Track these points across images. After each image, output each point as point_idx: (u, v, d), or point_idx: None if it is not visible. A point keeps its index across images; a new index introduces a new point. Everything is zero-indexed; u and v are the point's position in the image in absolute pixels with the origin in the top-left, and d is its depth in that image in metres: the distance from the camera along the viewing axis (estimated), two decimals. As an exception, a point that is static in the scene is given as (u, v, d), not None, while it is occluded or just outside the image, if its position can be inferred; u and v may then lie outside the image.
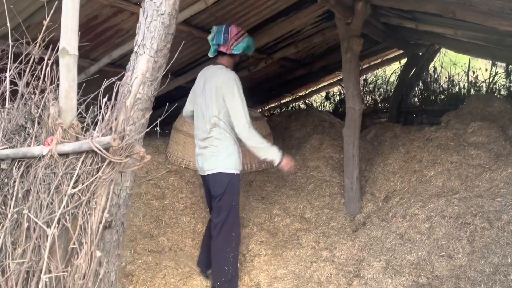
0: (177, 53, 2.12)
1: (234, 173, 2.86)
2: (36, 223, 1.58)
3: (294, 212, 3.92)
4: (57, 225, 1.55)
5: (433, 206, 3.15)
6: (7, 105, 1.84)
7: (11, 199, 1.67)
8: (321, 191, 4.16)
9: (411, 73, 6.37)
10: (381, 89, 7.49)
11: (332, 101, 7.84)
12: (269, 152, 2.83)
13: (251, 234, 3.59)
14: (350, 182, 3.85)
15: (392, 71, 7.48)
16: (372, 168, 4.28)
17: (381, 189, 3.90)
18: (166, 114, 1.93)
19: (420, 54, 6.13)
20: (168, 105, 3.01)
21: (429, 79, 6.66)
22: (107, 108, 1.58)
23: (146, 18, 1.83)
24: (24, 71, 1.86)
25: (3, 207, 1.72)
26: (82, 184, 1.55)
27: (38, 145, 1.67)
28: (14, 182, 1.67)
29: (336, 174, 4.38)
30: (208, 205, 3.19)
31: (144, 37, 1.82)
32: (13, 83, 1.88)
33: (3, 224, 1.68)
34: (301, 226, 3.75)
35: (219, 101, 2.84)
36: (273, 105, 8.20)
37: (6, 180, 1.73)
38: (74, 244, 1.55)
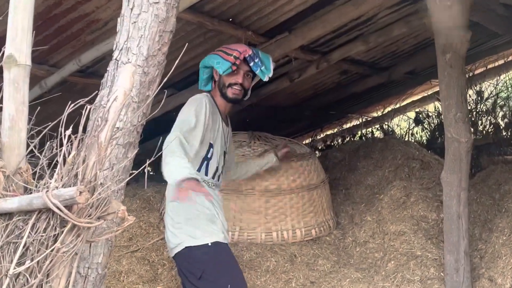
0: (180, 55, 2.21)
1: (208, 243, 3.00)
2: (-38, 319, 1.65)
3: (363, 308, 3.89)
4: (-8, 322, 1.62)
5: None
6: None
7: None
8: (407, 272, 4.12)
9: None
10: (506, 107, 7.43)
11: (425, 126, 7.82)
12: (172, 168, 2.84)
13: None
14: (454, 259, 3.80)
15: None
16: (491, 236, 4.21)
17: (505, 271, 3.81)
18: (156, 154, 2.00)
19: None
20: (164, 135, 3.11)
21: None
22: (71, 144, 1.66)
23: (132, 9, 1.95)
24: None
25: None
26: (32, 259, 1.62)
27: (-31, 199, 1.77)
28: None
29: (431, 245, 4.33)
30: None
31: (129, 38, 1.93)
32: None
33: None
34: (375, 331, 3.71)
35: None
36: (329, 132, 8.26)
37: None
38: None
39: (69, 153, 1.66)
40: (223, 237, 3.09)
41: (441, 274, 4.02)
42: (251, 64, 3.14)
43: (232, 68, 3.11)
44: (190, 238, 2.99)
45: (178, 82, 4.96)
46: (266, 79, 3.23)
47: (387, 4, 4.60)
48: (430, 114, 7.90)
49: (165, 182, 3.24)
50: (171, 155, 2.79)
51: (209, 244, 3.00)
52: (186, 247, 2.99)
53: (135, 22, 1.96)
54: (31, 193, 1.68)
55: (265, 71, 3.18)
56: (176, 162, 2.79)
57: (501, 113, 7.44)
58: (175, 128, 2.95)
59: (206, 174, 3.17)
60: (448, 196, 3.81)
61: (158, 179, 5.27)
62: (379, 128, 8.25)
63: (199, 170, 3.12)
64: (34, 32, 1.77)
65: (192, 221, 3.03)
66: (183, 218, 3.03)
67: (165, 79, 2.04)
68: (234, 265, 3.11)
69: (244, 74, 3.21)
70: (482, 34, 5.39)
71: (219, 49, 3.22)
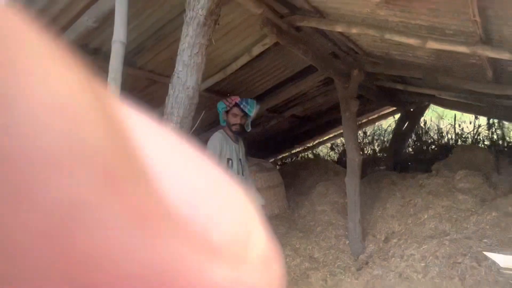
0: (201, 116, 2.28)
1: None
2: None
3: (304, 253, 3.91)
4: None
5: (427, 247, 3.15)
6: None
7: None
8: (327, 233, 4.17)
9: (404, 126, 6.49)
10: (379, 140, 7.60)
11: (336, 151, 7.94)
12: None
13: (265, 273, 3.59)
14: (353, 224, 3.86)
15: (388, 124, 7.62)
16: (373, 211, 4.30)
17: (381, 231, 3.90)
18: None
19: (412, 110, 6.28)
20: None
21: (420, 131, 6.76)
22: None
23: (174, 92, 2.02)
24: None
25: None
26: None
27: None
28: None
29: (341, 217, 4.39)
30: None
31: (172, 107, 2.00)
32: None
33: None
34: (310, 265, 3.74)
35: None
36: (285, 155, 8.33)
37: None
38: None
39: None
40: None
41: (346, 233, 4.06)
42: (241, 106, 2.94)
43: (227, 108, 2.96)
44: None
45: (196, 131, 4.98)
46: (252, 115, 3.01)
47: (314, 86, 4.75)
48: (338, 144, 8.03)
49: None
50: None
51: None
52: None
53: (176, 98, 2.03)
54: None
55: (250, 109, 2.96)
56: None
57: (376, 144, 7.59)
58: None
59: None
60: (349, 190, 3.86)
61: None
62: (311, 153, 8.33)
63: None
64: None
65: None
66: None
67: (193, 128, 2.10)
68: None
69: (241, 117, 2.98)
70: (366, 100, 5.53)
71: (225, 98, 3.04)
